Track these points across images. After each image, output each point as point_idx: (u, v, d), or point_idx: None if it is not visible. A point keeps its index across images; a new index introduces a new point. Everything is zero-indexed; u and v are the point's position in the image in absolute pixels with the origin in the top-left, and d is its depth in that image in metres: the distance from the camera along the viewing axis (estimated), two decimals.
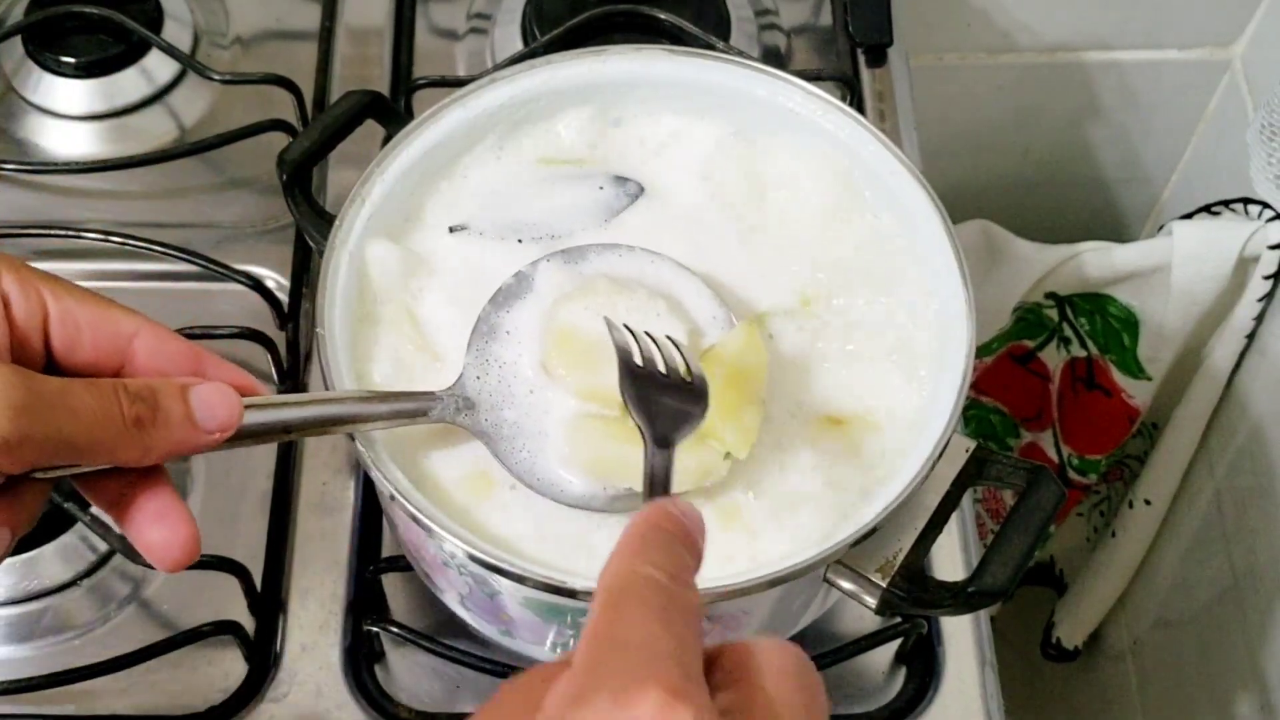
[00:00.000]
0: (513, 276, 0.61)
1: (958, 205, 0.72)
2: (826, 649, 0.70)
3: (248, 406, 0.50)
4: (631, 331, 0.54)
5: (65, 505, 0.69)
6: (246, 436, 0.50)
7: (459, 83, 0.77)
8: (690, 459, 0.56)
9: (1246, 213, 1.08)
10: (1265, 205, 1.06)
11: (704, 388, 0.54)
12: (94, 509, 0.70)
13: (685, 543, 0.42)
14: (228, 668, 0.70)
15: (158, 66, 0.90)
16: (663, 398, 0.53)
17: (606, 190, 0.67)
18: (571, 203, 0.66)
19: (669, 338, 0.56)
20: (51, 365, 0.48)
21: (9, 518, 0.46)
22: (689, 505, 0.44)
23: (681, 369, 0.54)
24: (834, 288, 0.64)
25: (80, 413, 0.45)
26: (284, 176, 0.66)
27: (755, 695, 0.38)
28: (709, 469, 0.57)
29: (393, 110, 0.69)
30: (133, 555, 0.70)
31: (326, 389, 0.58)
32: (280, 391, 0.78)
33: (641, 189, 0.67)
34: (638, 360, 0.53)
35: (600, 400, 0.57)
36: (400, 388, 0.61)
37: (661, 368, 0.54)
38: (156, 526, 0.49)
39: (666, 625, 0.38)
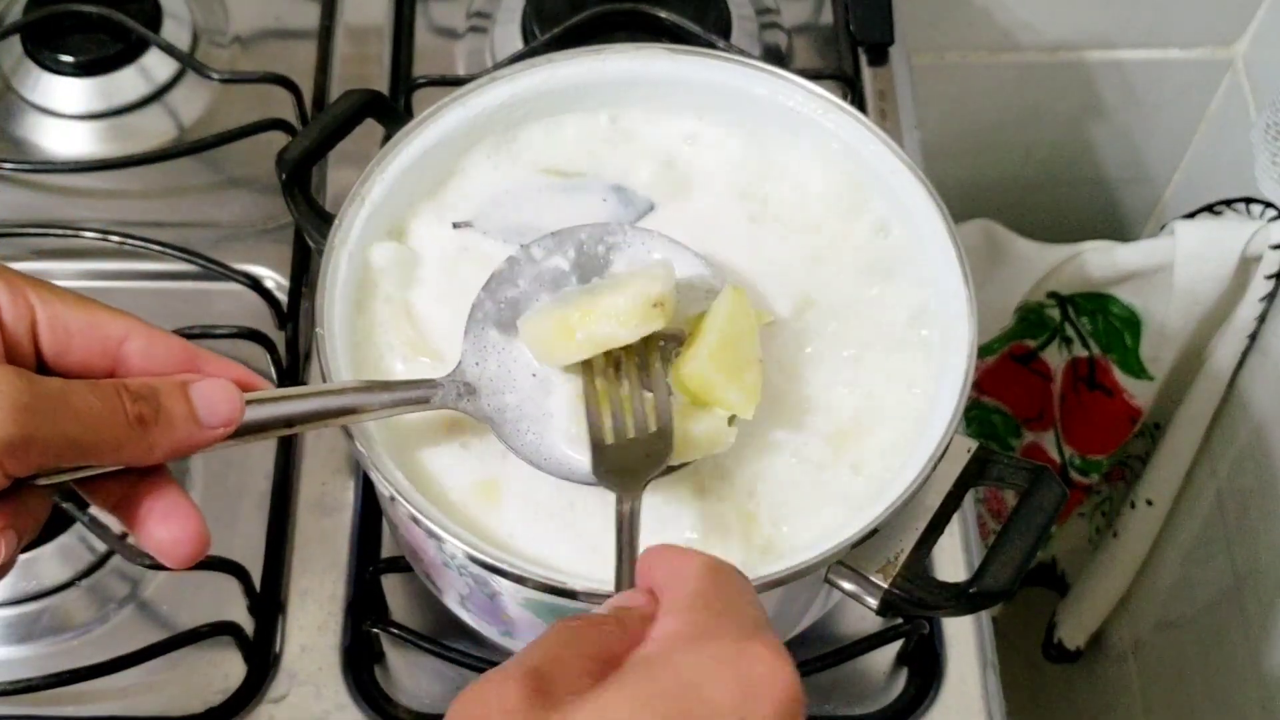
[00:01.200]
0: (505, 261, 0.61)
1: (959, 204, 0.72)
2: (828, 650, 0.70)
3: (249, 402, 0.50)
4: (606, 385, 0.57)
5: (64, 505, 0.69)
6: (249, 432, 0.50)
7: (459, 82, 0.77)
8: (698, 428, 0.57)
9: (1249, 212, 1.08)
10: (1267, 204, 1.06)
11: (669, 427, 0.56)
12: (92, 509, 0.70)
13: None
14: (227, 669, 0.70)
15: (156, 65, 0.90)
16: (631, 452, 0.56)
17: (610, 202, 0.66)
18: (577, 212, 0.66)
19: (645, 391, 0.57)
20: (42, 370, 0.48)
21: (14, 521, 0.46)
22: None
23: (650, 421, 0.56)
24: (835, 289, 0.64)
25: (84, 413, 0.45)
26: (283, 176, 0.65)
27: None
28: (716, 438, 0.57)
29: (392, 109, 0.69)
30: (131, 555, 0.70)
31: None
32: None
33: (652, 205, 0.67)
34: (609, 438, 0.56)
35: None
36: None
37: (631, 430, 0.56)
38: (164, 525, 0.49)
39: (756, 602, 0.45)
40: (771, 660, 0.41)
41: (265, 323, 0.80)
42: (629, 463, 0.55)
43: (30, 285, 0.48)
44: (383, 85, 0.90)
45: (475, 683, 0.41)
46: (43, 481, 0.46)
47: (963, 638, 0.71)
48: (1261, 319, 1.06)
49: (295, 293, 0.82)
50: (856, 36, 0.93)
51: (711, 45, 0.85)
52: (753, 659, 0.41)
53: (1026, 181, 1.29)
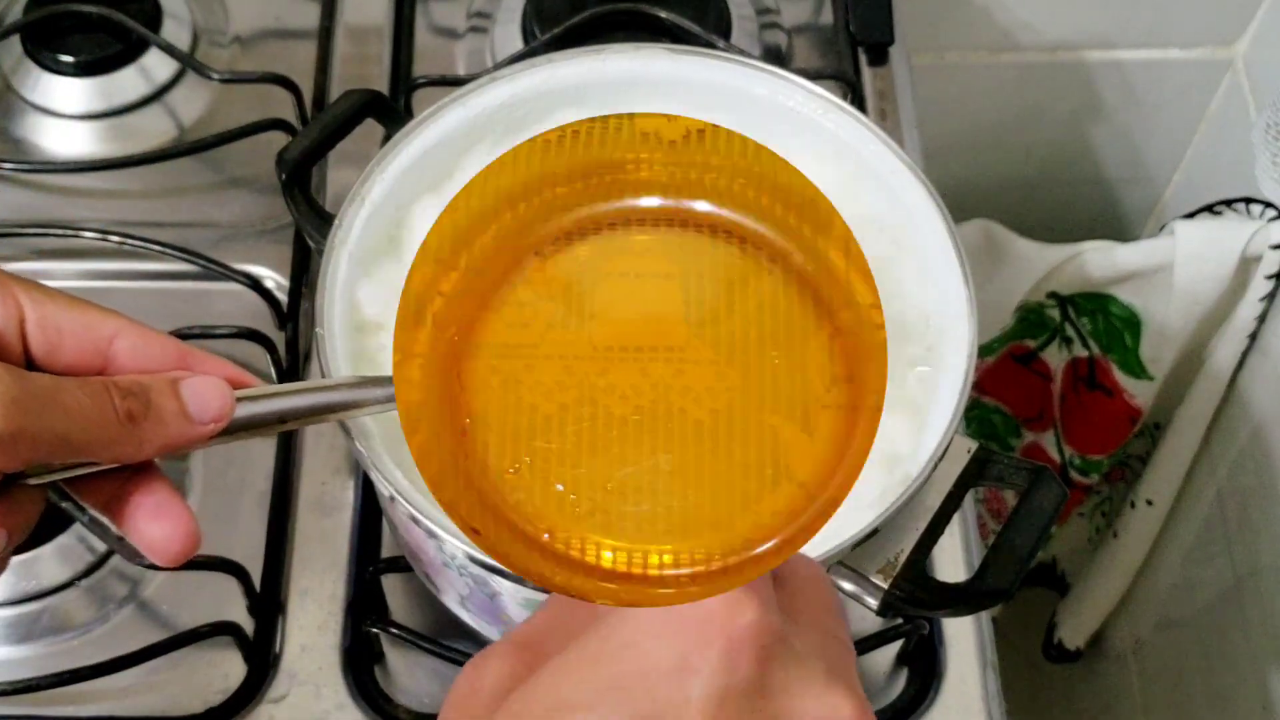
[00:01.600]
0: None
1: (959, 204, 0.72)
2: None
3: (241, 399, 0.50)
4: None
5: (63, 505, 0.69)
6: (241, 429, 0.50)
7: (459, 82, 0.77)
8: None
9: (1249, 212, 1.08)
10: (1267, 204, 1.06)
11: None
12: (92, 509, 0.70)
13: None
14: (227, 669, 0.70)
15: (156, 65, 0.90)
16: None
17: None
18: None
19: None
20: (31, 369, 0.48)
21: (5, 520, 0.46)
22: None
23: None
24: None
25: (73, 409, 0.45)
26: (283, 176, 0.65)
27: (795, 598, 0.44)
28: None
29: (392, 109, 0.69)
30: (131, 556, 0.69)
31: None
32: None
33: None
34: None
35: None
36: None
37: None
38: (155, 522, 0.48)
39: None
40: (716, 599, 0.39)
41: (265, 323, 0.80)
42: None
43: (20, 285, 0.47)
44: (383, 85, 0.90)
45: (473, 658, 0.41)
46: (33, 481, 0.46)
47: (963, 638, 0.71)
48: (1261, 319, 1.06)
49: (295, 293, 0.82)
50: (856, 36, 0.93)
51: (711, 45, 0.85)
52: (693, 603, 0.39)
53: (1026, 181, 1.29)
